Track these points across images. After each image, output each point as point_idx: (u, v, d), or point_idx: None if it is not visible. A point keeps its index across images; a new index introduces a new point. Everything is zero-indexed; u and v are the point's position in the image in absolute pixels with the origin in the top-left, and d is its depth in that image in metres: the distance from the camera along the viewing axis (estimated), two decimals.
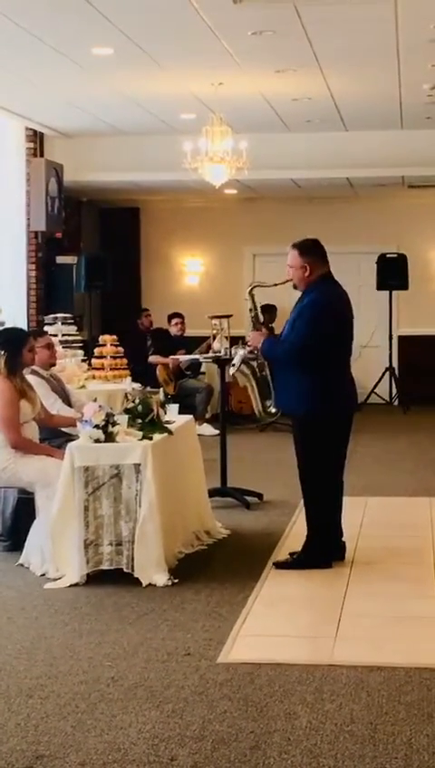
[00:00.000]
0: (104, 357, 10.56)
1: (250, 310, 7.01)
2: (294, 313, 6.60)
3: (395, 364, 15.61)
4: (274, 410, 6.95)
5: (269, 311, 14.58)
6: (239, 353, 7.06)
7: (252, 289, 7.09)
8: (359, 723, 4.22)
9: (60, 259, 13.48)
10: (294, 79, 9.99)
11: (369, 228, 15.90)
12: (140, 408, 6.80)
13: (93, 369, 10.49)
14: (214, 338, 9.10)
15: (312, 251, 6.62)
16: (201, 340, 13.06)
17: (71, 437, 7.16)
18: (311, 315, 6.46)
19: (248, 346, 6.85)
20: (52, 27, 8.23)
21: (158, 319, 14.95)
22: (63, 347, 10.52)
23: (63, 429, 7.63)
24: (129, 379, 10.35)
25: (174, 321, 14.23)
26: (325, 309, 6.51)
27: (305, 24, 8.09)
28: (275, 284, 7.02)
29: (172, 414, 7.25)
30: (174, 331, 14.15)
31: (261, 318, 7.05)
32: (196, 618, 5.64)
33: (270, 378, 6.87)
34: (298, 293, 6.69)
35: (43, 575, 6.48)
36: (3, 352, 7.02)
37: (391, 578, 6.41)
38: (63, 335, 11.03)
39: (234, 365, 7.08)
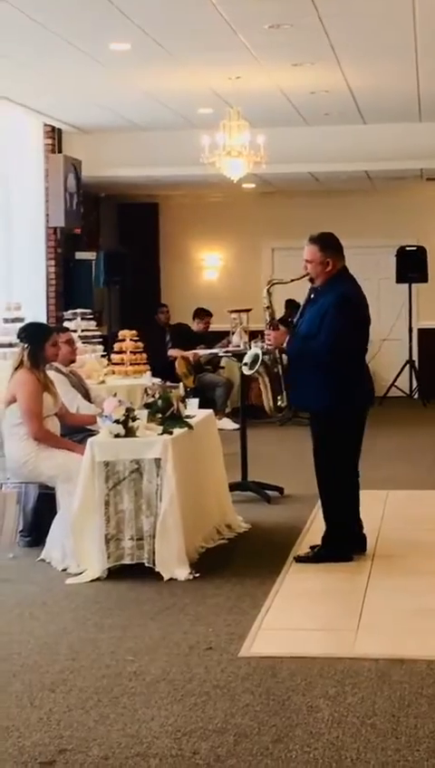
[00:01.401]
0: (124, 352, 10.56)
1: (266, 307, 6.91)
2: (317, 309, 6.51)
3: (415, 357, 15.57)
4: (282, 405, 6.84)
5: (292, 306, 14.57)
6: (250, 352, 6.95)
7: (271, 287, 6.99)
8: (381, 715, 4.22)
9: (79, 255, 13.51)
10: (311, 72, 9.96)
11: (388, 221, 15.86)
12: (160, 402, 6.81)
13: (113, 364, 10.50)
14: (233, 332, 9.08)
15: (332, 245, 6.59)
16: (222, 334, 13.05)
17: (91, 432, 7.16)
18: (344, 313, 6.41)
19: (269, 345, 6.75)
20: (69, 23, 8.23)
21: (178, 314, 14.95)
22: (83, 342, 10.52)
23: None
24: (148, 373, 10.36)
25: (202, 317, 14.31)
26: (356, 307, 6.52)
27: (322, 16, 8.07)
28: (292, 280, 6.93)
29: (192, 408, 7.25)
30: (200, 327, 14.20)
31: (275, 315, 6.98)
32: (217, 612, 5.65)
33: (282, 374, 6.78)
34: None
35: (65, 570, 6.50)
36: (26, 345, 7.05)
37: (412, 571, 6.40)
38: (83, 330, 11.03)
39: (246, 364, 6.95)
